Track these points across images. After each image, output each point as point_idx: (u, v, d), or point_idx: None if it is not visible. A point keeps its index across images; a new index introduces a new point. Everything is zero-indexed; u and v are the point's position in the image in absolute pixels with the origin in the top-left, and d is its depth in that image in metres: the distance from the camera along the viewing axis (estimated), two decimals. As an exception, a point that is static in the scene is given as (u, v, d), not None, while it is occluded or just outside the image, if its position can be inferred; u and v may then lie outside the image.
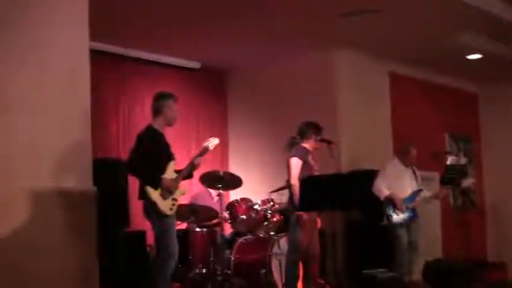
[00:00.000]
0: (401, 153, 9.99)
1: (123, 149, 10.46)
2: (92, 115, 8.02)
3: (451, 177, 9.85)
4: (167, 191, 7.27)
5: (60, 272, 7.34)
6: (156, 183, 7.21)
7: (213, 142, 7.84)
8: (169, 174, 7.39)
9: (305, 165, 8.28)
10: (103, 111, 10.24)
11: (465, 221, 10.17)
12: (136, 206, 9.55)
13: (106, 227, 7.95)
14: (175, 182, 7.39)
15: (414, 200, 9.63)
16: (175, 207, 7.36)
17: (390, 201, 9.48)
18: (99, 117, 9.60)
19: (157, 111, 7.48)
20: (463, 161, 10.34)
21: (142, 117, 10.80)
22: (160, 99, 7.52)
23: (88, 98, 7.93)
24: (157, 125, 7.46)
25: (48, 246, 7.30)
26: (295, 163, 8.26)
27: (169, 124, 7.56)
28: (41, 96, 7.45)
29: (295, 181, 8.20)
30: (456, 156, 10.91)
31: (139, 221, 9.24)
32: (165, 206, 7.25)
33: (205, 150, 7.78)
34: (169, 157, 7.48)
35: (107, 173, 8.21)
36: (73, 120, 7.70)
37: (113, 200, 8.21)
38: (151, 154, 7.24)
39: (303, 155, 8.34)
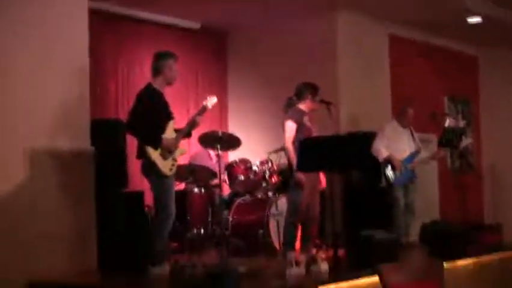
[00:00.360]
0: (399, 115, 10.00)
1: (122, 110, 10.44)
2: (90, 76, 8.04)
3: (448, 139, 9.86)
4: (167, 151, 7.27)
5: (58, 233, 7.40)
6: (156, 143, 7.21)
7: (211, 101, 7.84)
8: (169, 133, 7.39)
9: (301, 127, 8.26)
10: (102, 72, 10.18)
11: (462, 183, 10.19)
12: (134, 166, 9.62)
13: (104, 188, 7.99)
14: (175, 141, 7.41)
15: (412, 161, 9.66)
16: (174, 168, 7.38)
17: (389, 162, 9.51)
18: (97, 78, 9.57)
19: (156, 71, 7.46)
20: (461, 123, 10.38)
21: (140, 77, 10.75)
22: (160, 58, 7.49)
23: (86, 58, 7.94)
24: (157, 84, 7.45)
25: (46, 206, 7.36)
26: (290, 126, 8.25)
27: (169, 83, 7.54)
28: (39, 58, 7.47)
29: (289, 144, 8.21)
30: (454, 118, 10.93)
31: (137, 181, 9.30)
32: (165, 166, 7.27)
33: (204, 109, 7.78)
34: (169, 116, 7.48)
35: (105, 133, 8.22)
36: (71, 81, 7.73)
37: (111, 160, 8.22)
38: (151, 113, 7.23)
39: (298, 117, 8.32)
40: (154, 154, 7.20)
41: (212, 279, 5.58)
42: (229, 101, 12.30)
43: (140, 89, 7.52)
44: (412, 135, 9.88)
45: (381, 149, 9.45)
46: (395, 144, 9.68)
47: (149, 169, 7.28)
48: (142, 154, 7.27)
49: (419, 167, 9.86)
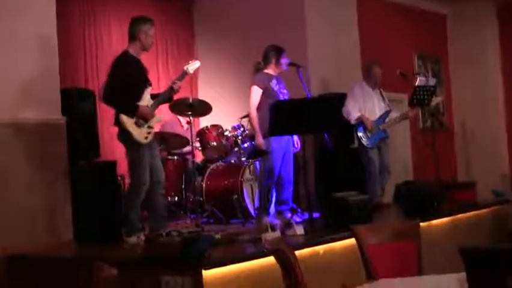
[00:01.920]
0: (365, 73, 9.99)
1: (91, 79, 10.38)
2: (58, 46, 7.93)
3: (419, 98, 9.85)
4: (143, 119, 7.19)
5: (31, 205, 7.36)
6: (132, 111, 7.13)
7: (193, 65, 7.74)
8: (146, 100, 7.30)
9: (267, 91, 8.26)
10: (69, 42, 10.06)
11: (434, 142, 10.19)
12: (105, 134, 9.56)
13: (77, 158, 7.92)
14: (152, 108, 7.32)
15: (383, 121, 9.68)
16: (150, 136, 7.29)
17: (361, 124, 9.51)
18: (65, 48, 9.44)
19: (132, 37, 7.34)
20: (432, 81, 10.32)
21: (109, 45, 10.69)
22: (135, 24, 7.36)
23: (53, 29, 7.86)
24: (133, 50, 7.33)
25: (19, 179, 7.30)
26: (254, 91, 8.26)
27: (144, 50, 7.42)
28: (5, 30, 7.37)
29: (253, 110, 8.23)
30: (425, 77, 10.91)
31: (109, 149, 9.26)
32: (140, 134, 7.18)
33: (185, 73, 7.69)
34: (145, 83, 7.38)
35: (75, 103, 8.14)
36: (39, 52, 7.63)
37: (83, 129, 8.15)
38: (126, 80, 7.13)
39: (264, 81, 8.31)
40: (128, 122, 7.11)
41: (187, 246, 5.55)
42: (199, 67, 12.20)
43: (117, 55, 7.41)
44: (382, 95, 9.87)
45: (352, 111, 9.45)
46: (365, 105, 9.69)
47: (124, 137, 7.20)
48: (117, 122, 7.19)
49: (391, 127, 9.87)
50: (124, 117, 7.10)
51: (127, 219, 7.26)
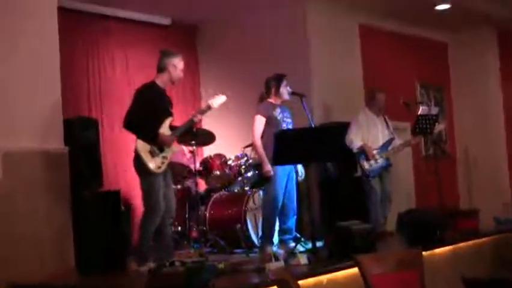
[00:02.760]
0: (369, 100, 10.04)
1: (94, 108, 10.43)
2: (62, 75, 7.96)
3: (422, 127, 9.89)
4: (162, 146, 7.26)
5: (34, 234, 7.34)
6: (152, 138, 7.22)
7: (218, 100, 7.77)
8: (165, 130, 7.39)
9: (270, 120, 8.30)
10: (73, 71, 10.11)
11: (437, 170, 10.21)
12: (109, 164, 9.57)
13: (80, 187, 7.93)
14: (171, 138, 7.40)
15: (387, 149, 9.70)
16: (164, 166, 7.35)
17: (363, 153, 9.53)
18: (69, 76, 9.49)
19: (161, 68, 7.49)
20: (434, 110, 10.37)
21: (112, 75, 10.75)
22: (165, 56, 7.53)
23: (57, 58, 7.88)
24: (159, 81, 7.49)
25: (22, 208, 7.29)
26: (257, 121, 8.33)
27: (172, 82, 7.59)
28: (10, 59, 7.39)
29: (256, 139, 8.29)
30: (427, 105, 10.96)
31: (113, 179, 9.28)
32: (153, 163, 7.24)
33: (209, 108, 7.75)
34: (167, 113, 7.48)
35: (78, 132, 8.15)
36: (42, 81, 7.65)
37: (86, 159, 8.16)
38: (150, 107, 7.26)
39: (267, 110, 8.36)
40: (143, 150, 7.19)
41: (190, 276, 5.56)
42: (202, 95, 12.24)
43: (143, 83, 7.56)
44: (386, 122, 9.91)
45: (355, 139, 9.48)
46: (369, 133, 9.72)
47: (139, 166, 7.28)
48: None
49: (394, 154, 9.89)
50: (140, 145, 7.18)
51: (140, 248, 7.31)
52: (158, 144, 7.25)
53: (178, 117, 8.52)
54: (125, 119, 7.36)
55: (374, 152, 9.56)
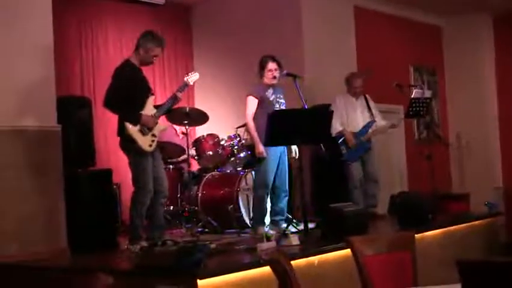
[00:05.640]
0: (346, 84, 9.99)
1: (87, 88, 10.40)
2: (55, 55, 7.93)
3: (415, 110, 9.89)
4: (146, 127, 7.22)
5: (27, 213, 7.33)
6: (135, 119, 7.16)
7: (192, 77, 7.86)
8: (149, 110, 7.36)
9: (262, 101, 8.27)
10: (66, 50, 10.07)
11: (429, 153, 10.22)
12: (101, 143, 9.55)
13: (72, 166, 7.91)
14: (154, 117, 7.36)
15: (366, 132, 9.66)
16: (154, 144, 7.34)
17: (341, 137, 9.51)
18: (62, 56, 9.45)
19: (136, 47, 7.44)
20: (428, 93, 10.37)
21: (106, 54, 10.70)
22: (142, 37, 7.46)
23: (50, 37, 7.85)
24: (134, 59, 7.42)
25: (14, 187, 7.28)
26: (249, 102, 8.30)
27: (141, 64, 7.48)
28: (4, 39, 7.37)
29: (249, 120, 8.25)
30: (421, 88, 10.95)
31: (104, 158, 9.25)
32: (144, 142, 7.23)
33: (185, 85, 7.80)
34: (147, 92, 7.44)
35: (71, 111, 8.13)
36: (35, 60, 7.63)
37: (78, 138, 8.14)
38: (128, 89, 7.19)
39: (259, 91, 8.33)
40: (133, 130, 7.16)
41: (182, 256, 5.55)
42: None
43: (118, 64, 7.48)
44: (367, 104, 9.85)
45: (334, 124, 9.38)
46: (348, 116, 9.70)
47: (127, 145, 7.25)
48: (120, 130, 7.22)
49: (380, 136, 9.86)
50: (129, 125, 7.14)
51: (132, 227, 7.31)
52: (142, 125, 7.22)
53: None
54: (104, 97, 7.31)
55: (352, 138, 9.54)
